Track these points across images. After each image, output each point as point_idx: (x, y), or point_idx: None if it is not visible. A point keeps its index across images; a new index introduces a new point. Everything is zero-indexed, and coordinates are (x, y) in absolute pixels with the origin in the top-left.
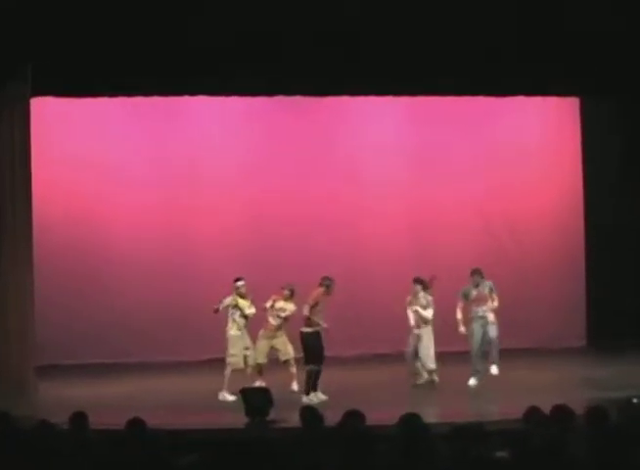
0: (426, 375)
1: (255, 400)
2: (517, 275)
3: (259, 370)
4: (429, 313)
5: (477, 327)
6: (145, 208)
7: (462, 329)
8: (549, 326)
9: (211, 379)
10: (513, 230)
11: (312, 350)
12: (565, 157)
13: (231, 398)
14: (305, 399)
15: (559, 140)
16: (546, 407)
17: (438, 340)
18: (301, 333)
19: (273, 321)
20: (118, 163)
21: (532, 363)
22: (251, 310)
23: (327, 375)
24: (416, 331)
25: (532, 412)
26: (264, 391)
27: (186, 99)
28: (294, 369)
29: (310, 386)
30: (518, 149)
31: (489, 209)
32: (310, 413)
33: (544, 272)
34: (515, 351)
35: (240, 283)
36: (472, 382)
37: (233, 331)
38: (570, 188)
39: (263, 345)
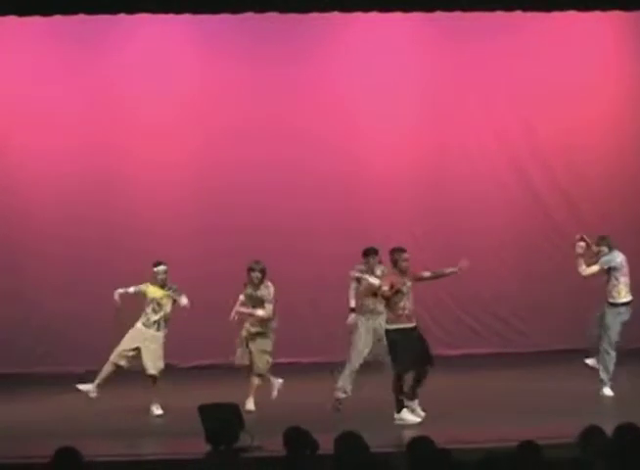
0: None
1: (219, 421)
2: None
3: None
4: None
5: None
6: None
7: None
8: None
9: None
10: (565, 196)
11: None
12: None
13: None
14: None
15: (619, 69)
16: (609, 427)
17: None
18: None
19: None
20: (29, 99)
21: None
22: (182, 299)
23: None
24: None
25: (591, 433)
26: (231, 407)
27: (120, 18)
28: (257, 381)
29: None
30: (567, 81)
31: (526, 149)
32: (298, 437)
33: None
34: (570, 352)
35: (160, 268)
36: (607, 392)
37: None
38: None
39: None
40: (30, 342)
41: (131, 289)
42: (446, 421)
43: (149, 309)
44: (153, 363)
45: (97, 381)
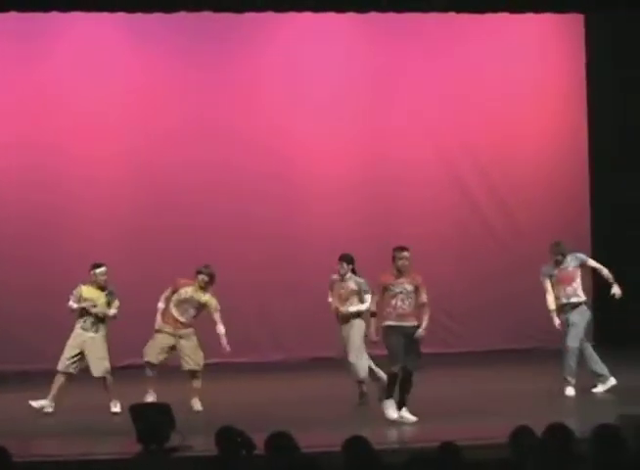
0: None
1: (150, 421)
2: (506, 257)
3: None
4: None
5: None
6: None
7: (557, 321)
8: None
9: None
10: (502, 205)
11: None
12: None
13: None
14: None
15: (556, 66)
16: (539, 427)
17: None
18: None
19: (181, 317)
20: None
21: (526, 367)
22: (109, 310)
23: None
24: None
25: (521, 434)
26: (163, 407)
27: (53, 16)
28: (199, 383)
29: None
30: (506, 78)
31: (466, 159)
32: (229, 436)
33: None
34: (505, 352)
35: (100, 270)
36: (571, 392)
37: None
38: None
39: (162, 340)
40: None
41: (74, 305)
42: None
43: (85, 311)
44: (97, 366)
45: (51, 394)
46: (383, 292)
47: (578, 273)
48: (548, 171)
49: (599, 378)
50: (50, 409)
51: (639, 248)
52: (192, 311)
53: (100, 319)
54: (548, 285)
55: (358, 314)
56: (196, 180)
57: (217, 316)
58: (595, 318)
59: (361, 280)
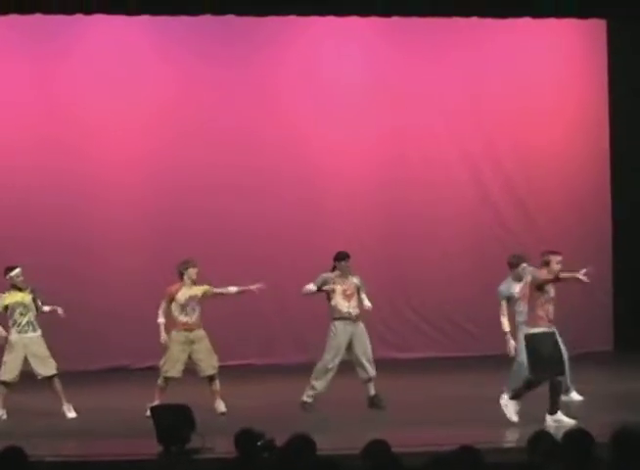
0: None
1: (171, 422)
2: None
3: (164, 386)
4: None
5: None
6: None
7: (511, 344)
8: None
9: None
10: (523, 209)
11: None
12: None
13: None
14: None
15: (579, 73)
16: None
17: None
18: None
19: (189, 318)
20: None
21: None
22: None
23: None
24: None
25: (540, 439)
26: (183, 409)
27: (76, 18)
28: (217, 385)
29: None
30: (529, 82)
31: (488, 162)
32: (248, 439)
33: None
34: None
35: (16, 271)
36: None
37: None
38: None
39: (178, 353)
40: None
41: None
42: (395, 424)
43: (16, 315)
44: (43, 366)
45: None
46: (537, 292)
47: None
48: (570, 176)
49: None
50: (4, 417)
51: None
52: (197, 308)
53: (34, 318)
54: (504, 307)
55: None
56: (214, 183)
57: (219, 289)
58: (614, 323)
59: (359, 277)
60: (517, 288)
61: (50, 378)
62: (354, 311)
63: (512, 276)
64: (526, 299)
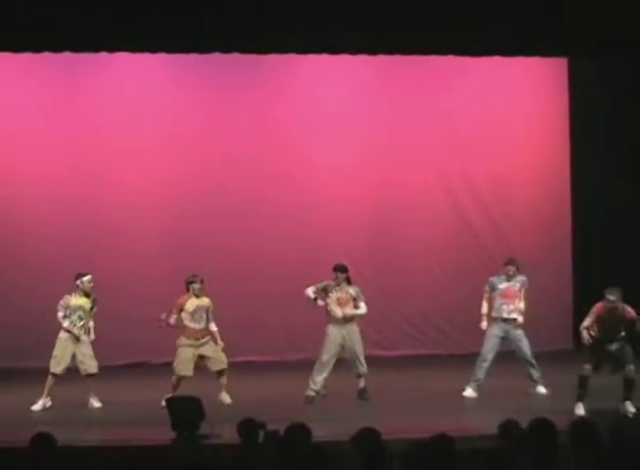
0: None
1: (184, 412)
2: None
3: (177, 383)
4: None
5: (495, 331)
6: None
7: (484, 324)
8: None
9: (124, 386)
10: (496, 228)
11: None
12: (551, 127)
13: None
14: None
15: (543, 104)
16: (525, 421)
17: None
18: None
19: (198, 325)
20: (6, 127)
21: (512, 369)
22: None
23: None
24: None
25: (508, 427)
26: (194, 401)
27: (101, 56)
28: (225, 379)
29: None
30: (499, 114)
31: (463, 185)
32: (250, 427)
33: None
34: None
35: (87, 277)
36: (468, 393)
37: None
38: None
39: (188, 354)
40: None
41: (60, 313)
42: (382, 414)
43: (74, 317)
44: (88, 364)
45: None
46: None
47: (522, 295)
48: (535, 199)
49: (474, 383)
50: (49, 404)
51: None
52: (204, 316)
53: (87, 324)
54: (487, 294)
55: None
56: (225, 207)
57: (211, 315)
58: (573, 324)
59: (357, 288)
60: (503, 285)
61: (90, 375)
62: (347, 315)
63: (504, 274)
64: (509, 299)
